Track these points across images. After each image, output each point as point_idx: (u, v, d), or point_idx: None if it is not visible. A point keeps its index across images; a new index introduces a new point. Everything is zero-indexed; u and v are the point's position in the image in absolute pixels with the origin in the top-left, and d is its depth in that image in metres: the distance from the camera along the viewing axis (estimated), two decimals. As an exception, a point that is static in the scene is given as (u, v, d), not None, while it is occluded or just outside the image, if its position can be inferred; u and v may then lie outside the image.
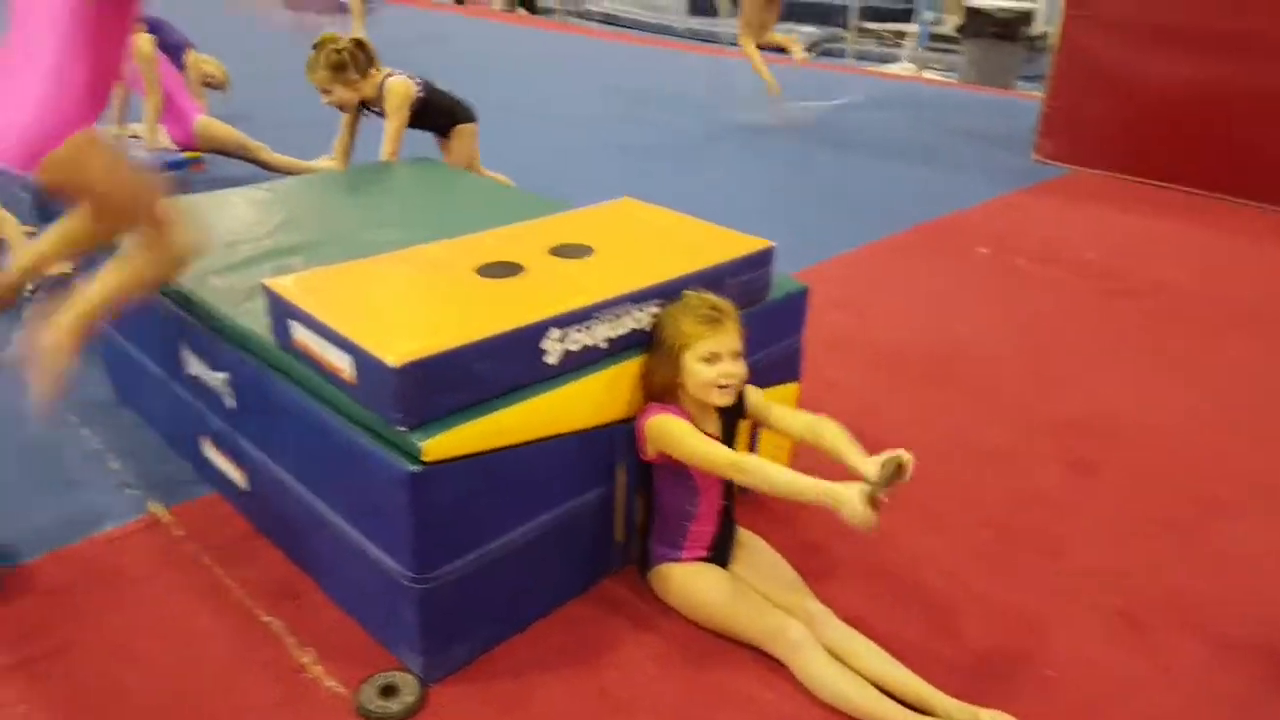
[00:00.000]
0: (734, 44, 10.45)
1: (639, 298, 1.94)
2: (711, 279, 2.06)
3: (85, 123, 1.88)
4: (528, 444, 1.81)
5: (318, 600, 2.06)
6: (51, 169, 1.85)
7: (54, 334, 2.00)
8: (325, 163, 4.92)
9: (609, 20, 12.56)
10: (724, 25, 10.85)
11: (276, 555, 2.19)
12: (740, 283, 2.14)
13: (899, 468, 1.70)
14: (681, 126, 6.63)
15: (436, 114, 3.73)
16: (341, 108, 3.65)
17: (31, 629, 1.96)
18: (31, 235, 3.37)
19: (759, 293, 2.22)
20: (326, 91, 3.56)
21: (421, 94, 3.65)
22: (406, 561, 1.73)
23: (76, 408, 2.79)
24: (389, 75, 3.63)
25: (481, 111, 3.96)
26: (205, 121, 4.49)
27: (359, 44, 3.59)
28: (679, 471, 1.96)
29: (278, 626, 1.99)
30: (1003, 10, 8.46)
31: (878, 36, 10.53)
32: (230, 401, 2.14)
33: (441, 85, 3.81)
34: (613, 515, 2.06)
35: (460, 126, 3.78)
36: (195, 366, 2.22)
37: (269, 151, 4.73)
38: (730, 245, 2.20)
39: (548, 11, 13.20)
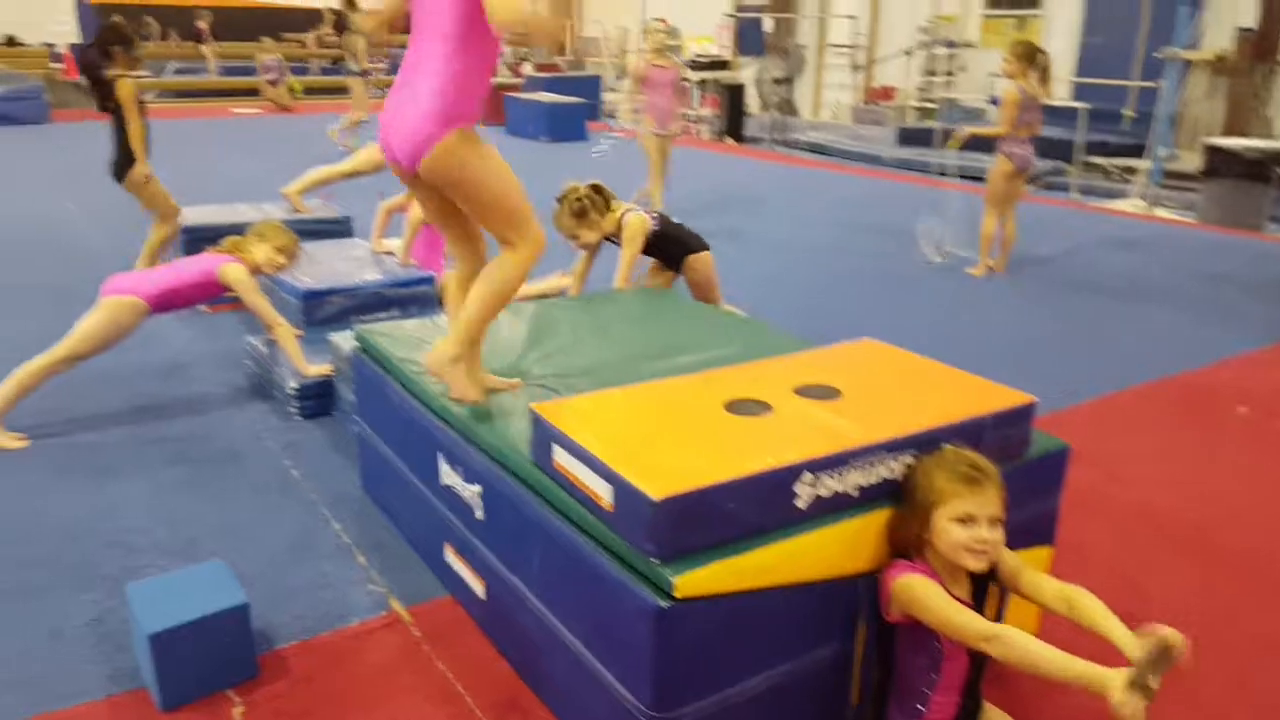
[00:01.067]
0: (943, 174, 10.41)
1: (895, 447, 1.89)
2: (969, 432, 1.99)
3: (459, 124, 2.12)
4: (771, 589, 1.78)
5: (544, 718, 2.07)
6: (429, 166, 2.13)
7: (445, 368, 2.29)
8: (554, 281, 5.20)
9: (816, 149, 12.76)
10: (934, 156, 10.79)
11: (506, 668, 2.24)
12: (999, 438, 2.05)
13: (1166, 649, 1.54)
14: (904, 259, 6.53)
15: (670, 244, 3.92)
16: (585, 247, 3.90)
17: (285, 713, 2.09)
18: (301, 338, 3.72)
19: (1016, 450, 2.12)
20: (574, 237, 3.82)
21: (656, 227, 3.86)
22: (645, 697, 1.72)
23: (329, 502, 3.01)
24: (627, 211, 3.87)
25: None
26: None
27: (597, 189, 3.85)
28: (923, 635, 1.85)
29: (505, 742, 2.02)
30: (1251, 149, 7.97)
31: (1104, 171, 10.16)
32: (479, 513, 2.24)
33: (674, 219, 4.00)
34: (849, 674, 1.97)
35: (692, 257, 3.93)
36: (450, 477, 2.34)
37: None
38: (988, 397, 2.13)
39: (755, 140, 13.60)
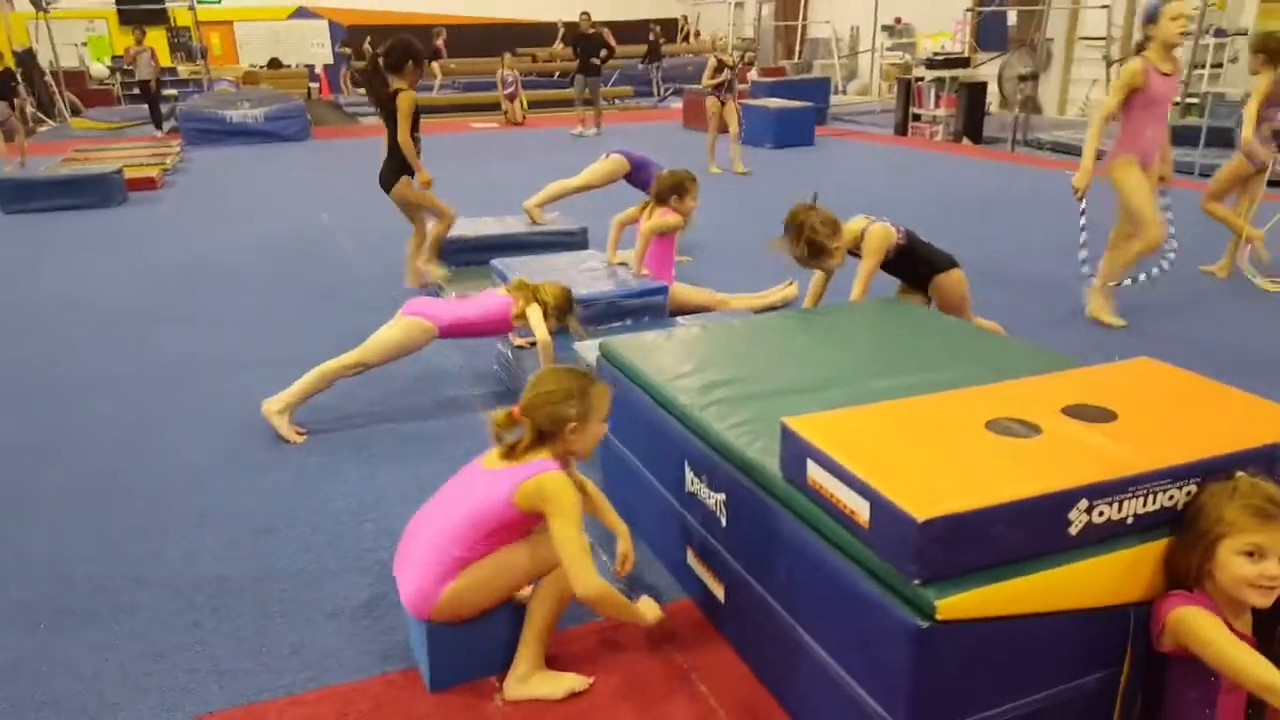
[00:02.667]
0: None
1: (1179, 475, 1.77)
2: (1262, 460, 1.82)
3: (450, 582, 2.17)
4: (1036, 615, 1.70)
5: (783, 723, 2.08)
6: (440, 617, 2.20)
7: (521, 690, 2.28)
8: (782, 291, 5.18)
9: (1061, 149, 11.97)
10: (1198, 156, 9.85)
11: (745, 670, 2.28)
12: (1295, 469, 1.86)
13: None
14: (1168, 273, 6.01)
15: (917, 262, 3.75)
16: (830, 270, 3.78)
17: (541, 701, 2.22)
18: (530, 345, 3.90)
19: (1314, 482, 1.92)
20: (819, 268, 3.71)
21: (902, 241, 3.70)
22: (900, 716, 1.69)
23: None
24: (871, 223, 3.71)
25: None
26: (678, 288, 4.95)
27: (820, 212, 3.61)
28: (1198, 668, 1.73)
29: (746, 747, 2.04)
30: None
31: None
32: (723, 520, 2.27)
33: (922, 236, 3.82)
34: (1112, 706, 1.86)
35: (940, 277, 3.73)
36: (695, 485, 2.40)
37: (728, 303, 5.06)
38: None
39: (994, 141, 12.95)
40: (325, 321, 5.16)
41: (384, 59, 5.23)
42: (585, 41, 13.61)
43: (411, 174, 5.36)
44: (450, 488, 2.32)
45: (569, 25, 18.97)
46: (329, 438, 3.71)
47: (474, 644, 2.25)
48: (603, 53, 13.55)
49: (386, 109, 5.21)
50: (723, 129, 10.57)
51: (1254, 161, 5.48)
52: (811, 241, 3.54)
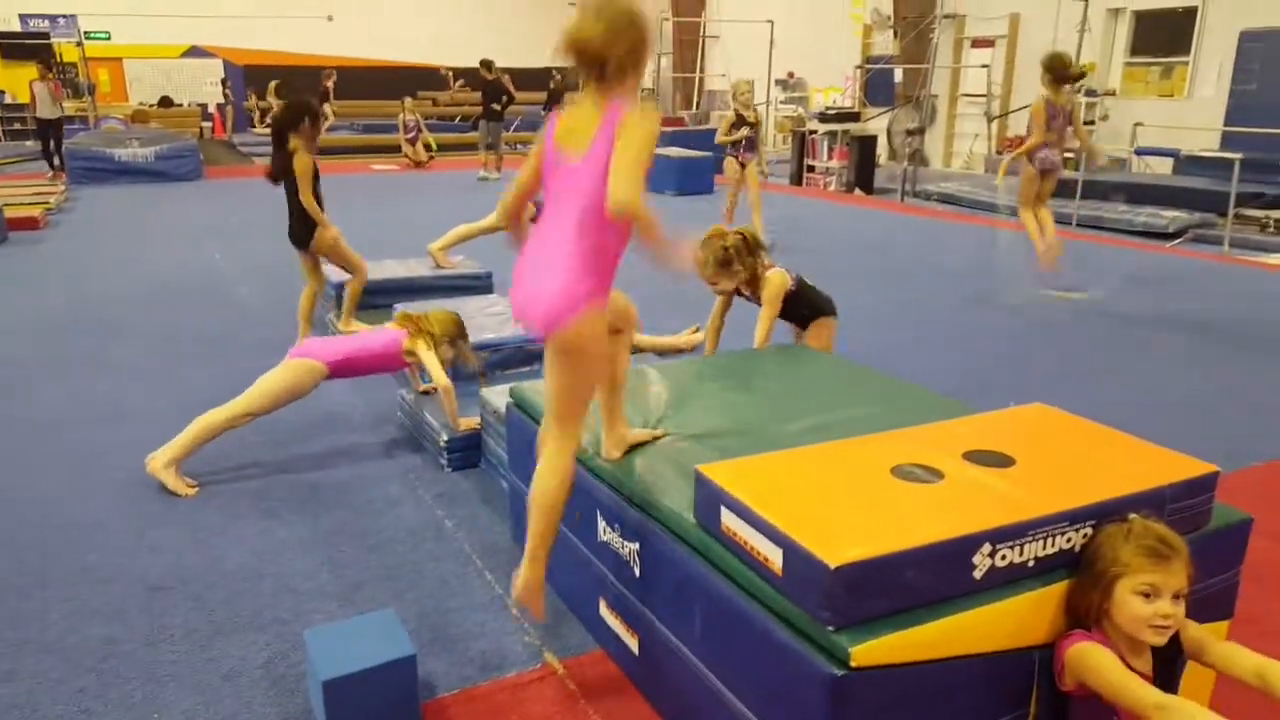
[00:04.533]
0: (1092, 227, 10.08)
1: (1076, 517, 1.83)
2: (1152, 502, 1.91)
3: (595, 299, 2.18)
4: (945, 660, 1.73)
5: (703, 784, 2.05)
6: (560, 335, 2.19)
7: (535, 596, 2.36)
8: (687, 336, 5.24)
9: (947, 200, 12.53)
10: (1082, 208, 10.45)
11: (661, 724, 2.24)
12: (1181, 509, 1.96)
13: None
14: (1045, 316, 6.35)
15: (802, 305, 3.87)
16: (720, 293, 3.88)
17: (449, 764, 2.13)
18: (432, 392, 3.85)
19: (1198, 522, 2.03)
20: (714, 283, 3.80)
21: (793, 287, 3.81)
22: (816, 768, 1.69)
23: (481, 552, 3.08)
24: (769, 266, 3.82)
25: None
26: None
27: (747, 238, 3.78)
28: (1099, 708, 1.79)
29: (664, 804, 2.00)
30: None
31: (1259, 224, 9.62)
32: (636, 570, 2.26)
33: (809, 280, 3.95)
34: (1020, 748, 1.90)
35: (820, 320, 3.87)
36: (607, 534, 2.38)
37: (635, 341, 5.08)
38: (1169, 467, 2.04)
39: (884, 191, 13.45)
40: (218, 368, 4.95)
41: (281, 117, 5.12)
42: (486, 87, 13.73)
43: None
44: (551, 205, 2.27)
45: (457, 71, 18.98)
46: (223, 489, 3.54)
47: (373, 703, 2.16)
48: (504, 98, 13.67)
49: (285, 167, 5.08)
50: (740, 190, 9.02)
51: (1037, 164, 6.52)
52: (724, 255, 3.70)
